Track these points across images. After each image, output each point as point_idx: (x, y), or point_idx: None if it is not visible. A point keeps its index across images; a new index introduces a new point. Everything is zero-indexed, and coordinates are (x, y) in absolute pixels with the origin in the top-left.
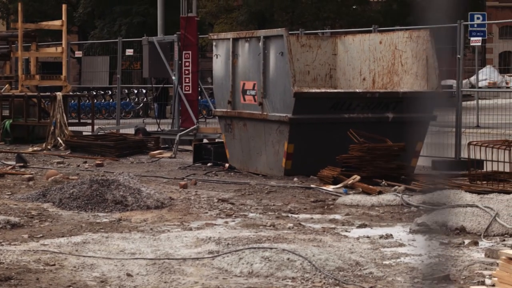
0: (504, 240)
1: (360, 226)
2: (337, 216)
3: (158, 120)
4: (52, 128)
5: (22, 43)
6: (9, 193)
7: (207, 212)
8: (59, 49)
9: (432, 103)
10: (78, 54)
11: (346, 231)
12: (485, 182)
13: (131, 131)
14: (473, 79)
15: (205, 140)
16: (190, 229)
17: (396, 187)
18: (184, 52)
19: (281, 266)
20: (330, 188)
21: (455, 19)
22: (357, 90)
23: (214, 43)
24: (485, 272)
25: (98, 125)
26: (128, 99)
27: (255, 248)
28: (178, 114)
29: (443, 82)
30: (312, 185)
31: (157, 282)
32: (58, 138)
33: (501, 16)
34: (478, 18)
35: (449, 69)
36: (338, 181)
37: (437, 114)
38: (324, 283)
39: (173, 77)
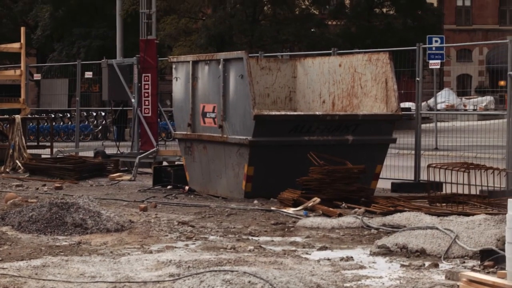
0: (464, 262)
1: (321, 249)
2: (298, 239)
3: (117, 143)
4: (11, 151)
5: None
6: None
7: (167, 235)
8: (18, 71)
9: (391, 125)
10: (37, 76)
11: (307, 253)
12: (444, 204)
13: (90, 153)
14: (431, 101)
15: (164, 163)
16: (151, 252)
17: (356, 209)
18: (143, 74)
19: None
20: (291, 210)
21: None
22: (317, 113)
23: (173, 66)
24: None
25: (57, 148)
26: (87, 121)
27: (216, 271)
28: (138, 136)
29: (402, 104)
30: (272, 208)
31: None
32: (17, 161)
33: (458, 39)
34: (436, 41)
35: (408, 92)
36: (298, 204)
37: (396, 136)
38: None
39: (133, 100)
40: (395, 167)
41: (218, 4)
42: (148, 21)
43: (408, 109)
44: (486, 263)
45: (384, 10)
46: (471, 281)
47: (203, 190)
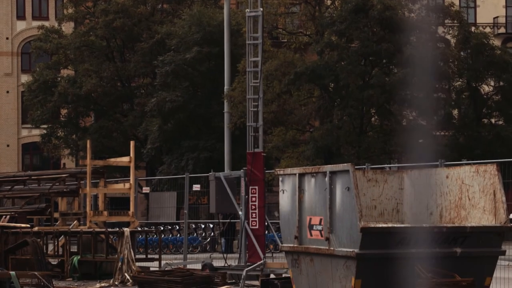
0: None
1: None
2: None
3: (225, 255)
4: (120, 264)
5: (91, 179)
6: None
7: None
8: (127, 185)
9: (500, 237)
10: (146, 190)
11: None
12: None
13: (198, 266)
14: None
15: (272, 275)
16: None
17: None
18: (250, 187)
19: None
20: None
21: None
22: (424, 225)
23: (280, 178)
24: None
25: (166, 261)
26: (195, 233)
27: None
28: (245, 249)
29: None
30: None
31: None
32: (126, 274)
33: None
34: None
35: None
36: None
37: (506, 248)
38: None
39: (240, 212)
40: (505, 279)
41: (325, 117)
42: (255, 134)
43: None
44: None
45: (493, 120)
46: None
47: None
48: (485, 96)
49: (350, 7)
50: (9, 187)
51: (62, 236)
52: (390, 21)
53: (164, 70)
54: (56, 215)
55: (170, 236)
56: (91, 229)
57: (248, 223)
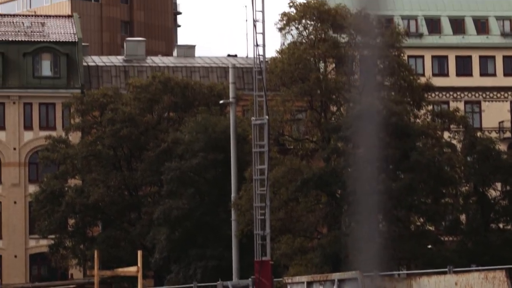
0: None
1: None
2: None
3: None
4: None
5: None
6: None
7: None
8: None
9: None
10: None
11: None
12: None
13: None
14: None
15: None
16: None
17: None
18: None
19: None
20: None
21: None
22: None
23: (288, 287)
24: None
25: None
26: None
27: None
28: None
29: None
30: None
31: None
32: None
33: None
34: None
35: None
36: None
37: None
38: None
39: None
40: None
41: (333, 223)
42: (263, 242)
43: None
44: None
45: (501, 225)
46: None
47: None
48: (492, 201)
49: (355, 113)
50: None
51: None
52: (396, 127)
53: (170, 177)
54: None
55: None
56: None
57: None
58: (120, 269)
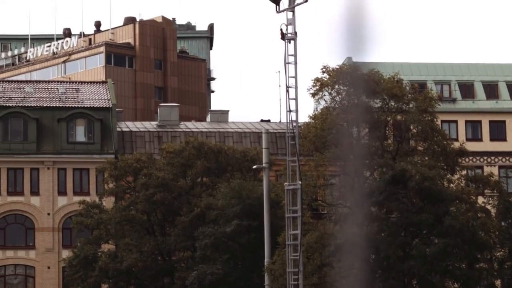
0: None
1: None
2: None
3: None
4: None
5: None
6: None
7: None
8: None
9: None
10: None
11: None
12: None
13: None
14: None
15: None
16: None
17: None
18: None
19: None
20: None
21: None
22: None
23: None
24: None
25: None
26: None
27: None
28: None
29: None
30: None
31: None
32: None
33: None
34: None
35: None
36: None
37: None
38: None
39: None
40: None
41: None
42: None
43: None
44: None
45: None
46: None
47: None
48: None
49: (388, 178)
50: None
51: None
52: (429, 192)
53: (204, 243)
54: None
55: None
56: None
57: None
58: None
